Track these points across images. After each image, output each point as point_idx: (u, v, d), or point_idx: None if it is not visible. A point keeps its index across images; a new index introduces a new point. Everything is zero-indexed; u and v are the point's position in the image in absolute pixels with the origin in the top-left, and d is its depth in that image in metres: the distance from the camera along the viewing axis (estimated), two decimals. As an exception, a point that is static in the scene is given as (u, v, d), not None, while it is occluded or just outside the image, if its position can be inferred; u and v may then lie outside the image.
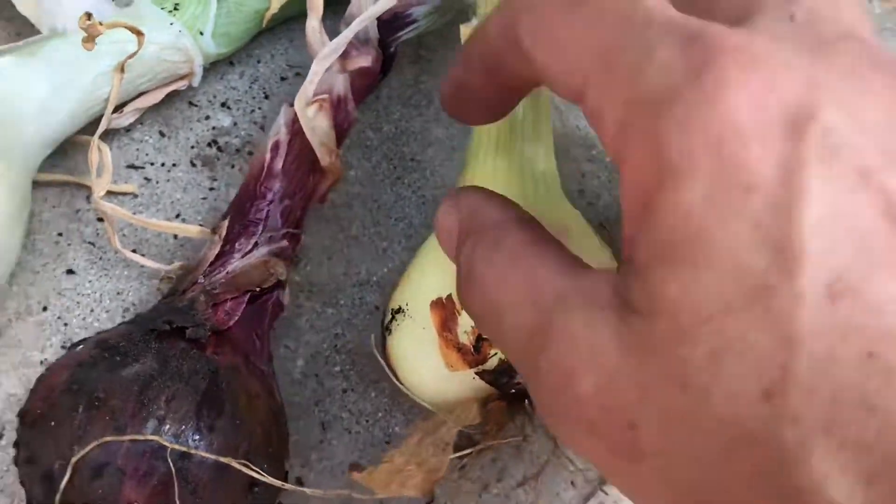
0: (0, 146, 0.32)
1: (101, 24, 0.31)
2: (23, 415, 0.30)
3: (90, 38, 0.32)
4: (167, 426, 0.28)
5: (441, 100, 0.28)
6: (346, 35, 0.35)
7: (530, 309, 0.21)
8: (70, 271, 0.39)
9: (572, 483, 0.37)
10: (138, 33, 0.35)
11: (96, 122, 0.38)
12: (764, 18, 0.20)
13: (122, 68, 0.37)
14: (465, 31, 0.35)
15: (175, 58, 0.40)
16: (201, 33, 0.40)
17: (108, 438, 0.27)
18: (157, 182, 0.41)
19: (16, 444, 0.30)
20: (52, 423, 0.28)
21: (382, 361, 0.33)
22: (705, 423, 0.17)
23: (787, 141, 0.17)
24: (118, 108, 0.40)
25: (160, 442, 0.27)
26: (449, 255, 0.26)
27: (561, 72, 0.21)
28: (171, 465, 0.27)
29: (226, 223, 0.34)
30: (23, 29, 0.42)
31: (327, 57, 0.34)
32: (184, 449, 0.27)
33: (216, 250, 0.34)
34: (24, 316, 0.38)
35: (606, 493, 0.37)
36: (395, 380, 0.32)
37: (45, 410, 0.29)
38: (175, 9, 0.39)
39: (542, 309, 0.21)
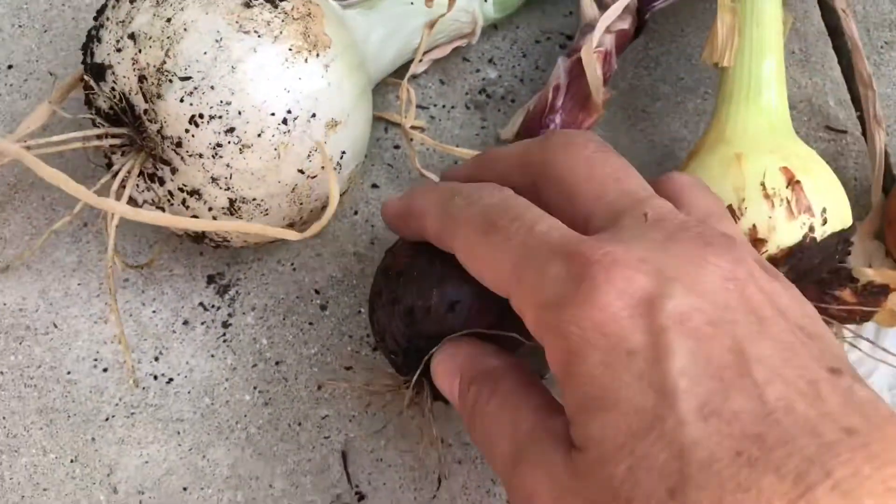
0: (362, 81, 0.41)
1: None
2: (386, 271, 0.40)
3: None
4: None
5: (383, 216, 0.39)
6: (622, 3, 0.44)
7: (510, 442, 0.30)
8: (374, 185, 0.50)
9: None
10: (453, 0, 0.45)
11: (399, 69, 0.49)
12: (625, 219, 0.29)
13: (432, 25, 0.47)
14: (722, 2, 0.44)
15: (464, 19, 0.50)
16: (485, 0, 0.50)
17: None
18: (440, 120, 0.51)
19: (375, 294, 0.40)
20: (416, 274, 0.38)
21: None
22: (625, 499, 0.24)
23: (648, 316, 0.26)
24: (416, 58, 0.50)
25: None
26: (447, 390, 0.35)
27: (489, 280, 0.31)
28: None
29: None
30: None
31: (608, 18, 0.43)
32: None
33: None
34: (340, 217, 0.49)
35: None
36: None
37: (409, 266, 0.38)
38: (468, -21, 0.49)
39: (518, 442, 0.29)
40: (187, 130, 0.36)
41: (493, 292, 0.33)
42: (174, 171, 0.38)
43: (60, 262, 0.47)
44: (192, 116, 0.36)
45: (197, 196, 0.38)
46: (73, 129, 0.39)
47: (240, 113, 0.36)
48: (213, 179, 0.37)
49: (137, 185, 0.41)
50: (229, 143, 0.36)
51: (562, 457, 0.27)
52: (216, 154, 0.37)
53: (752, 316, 0.26)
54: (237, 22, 0.36)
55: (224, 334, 0.46)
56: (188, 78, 0.36)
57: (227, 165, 0.37)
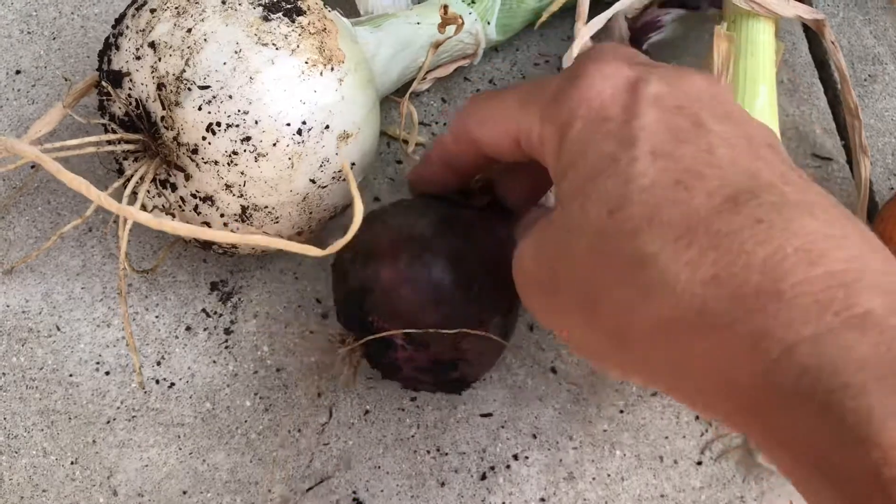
0: (372, 96, 0.43)
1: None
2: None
3: (445, 24, 0.43)
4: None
5: (410, 183, 0.43)
6: (603, 17, 0.46)
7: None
8: (376, 198, 0.51)
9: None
10: (461, 22, 0.46)
11: (403, 86, 0.50)
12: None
13: (437, 45, 0.48)
14: (718, 30, 0.45)
15: (468, 40, 0.51)
16: (488, 23, 0.51)
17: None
18: (441, 137, 0.53)
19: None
20: (353, 240, 0.38)
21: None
22: (577, 230, 0.29)
23: (627, 93, 0.30)
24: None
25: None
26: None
27: (496, 135, 0.35)
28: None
29: None
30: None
31: (589, 29, 0.45)
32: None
33: None
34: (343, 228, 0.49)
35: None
36: None
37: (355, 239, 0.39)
38: (472, 2, 0.51)
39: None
40: (204, 138, 0.37)
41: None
42: (188, 177, 0.39)
43: (64, 265, 0.48)
44: (210, 124, 0.37)
45: (210, 202, 0.39)
46: (82, 135, 0.40)
47: (256, 122, 0.37)
48: (227, 186, 0.38)
49: (148, 191, 0.41)
50: (245, 151, 0.37)
51: (543, 224, 0.32)
52: (231, 162, 0.38)
53: (719, 108, 0.30)
54: (256, 34, 0.37)
55: (226, 340, 0.47)
56: (207, 87, 0.37)
57: (242, 173, 0.38)
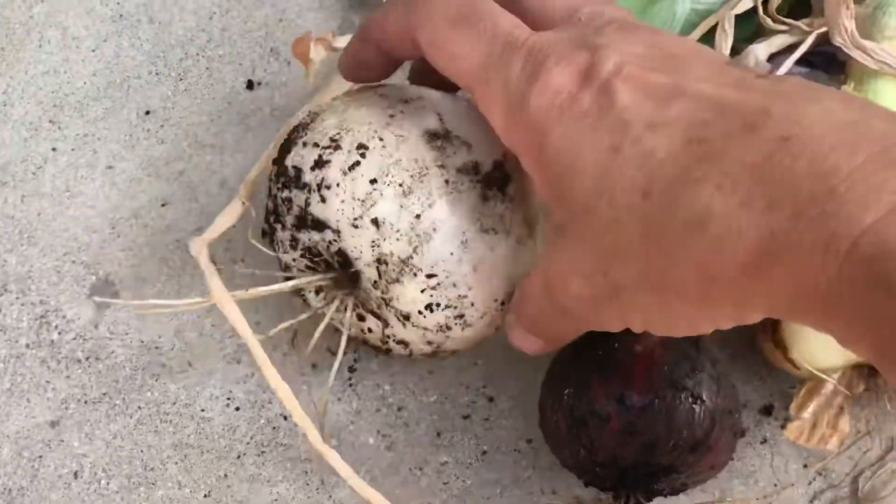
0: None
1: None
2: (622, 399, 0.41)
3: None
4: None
5: (340, 67, 0.40)
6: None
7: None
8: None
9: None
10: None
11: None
12: (563, 22, 0.33)
13: None
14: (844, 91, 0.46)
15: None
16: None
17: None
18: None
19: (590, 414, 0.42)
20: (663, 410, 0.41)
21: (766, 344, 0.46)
22: (619, 224, 0.29)
23: (590, 79, 0.30)
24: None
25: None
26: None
27: (455, 74, 0.33)
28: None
29: None
30: None
31: None
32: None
33: None
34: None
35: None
36: (781, 357, 0.46)
37: (652, 402, 0.40)
38: None
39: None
40: (420, 312, 0.39)
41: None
42: (386, 324, 0.40)
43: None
44: (429, 304, 0.38)
45: (403, 346, 0.41)
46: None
47: (472, 304, 0.39)
48: (428, 342, 0.40)
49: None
50: (456, 325, 0.39)
51: (561, 243, 0.32)
52: (440, 329, 0.39)
53: (674, 59, 0.31)
54: (478, 220, 0.37)
55: (350, 378, 0.50)
56: (433, 275, 0.38)
57: (447, 337, 0.40)
